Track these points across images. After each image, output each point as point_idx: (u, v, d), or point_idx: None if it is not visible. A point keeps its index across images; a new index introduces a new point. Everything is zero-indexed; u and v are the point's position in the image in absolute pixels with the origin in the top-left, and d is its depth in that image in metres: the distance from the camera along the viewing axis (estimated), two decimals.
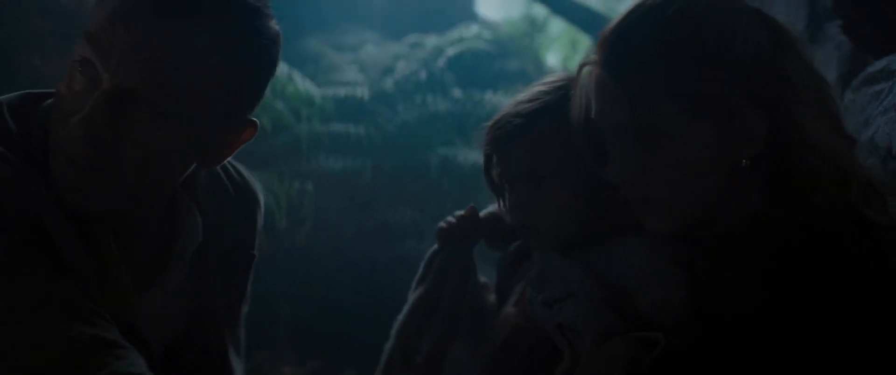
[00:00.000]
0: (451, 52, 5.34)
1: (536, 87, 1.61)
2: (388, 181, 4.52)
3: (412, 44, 5.60)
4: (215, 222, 1.56)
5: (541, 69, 6.00)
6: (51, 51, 3.92)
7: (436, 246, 1.77)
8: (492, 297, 1.78)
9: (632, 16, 1.39)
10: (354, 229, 4.32)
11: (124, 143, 1.28)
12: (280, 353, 3.87)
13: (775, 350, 1.27)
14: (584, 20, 5.60)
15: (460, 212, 1.77)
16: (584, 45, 6.10)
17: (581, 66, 1.46)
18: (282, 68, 4.18)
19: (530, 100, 1.58)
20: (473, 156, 4.43)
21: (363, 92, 4.94)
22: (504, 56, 5.81)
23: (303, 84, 4.70)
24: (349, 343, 3.64)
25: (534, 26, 6.39)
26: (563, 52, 6.46)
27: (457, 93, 5.06)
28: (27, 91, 1.42)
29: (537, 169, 1.56)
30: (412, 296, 1.74)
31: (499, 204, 1.68)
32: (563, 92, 1.55)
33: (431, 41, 5.53)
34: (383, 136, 4.70)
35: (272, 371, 3.86)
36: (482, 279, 1.81)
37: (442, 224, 1.76)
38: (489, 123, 1.62)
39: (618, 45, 1.39)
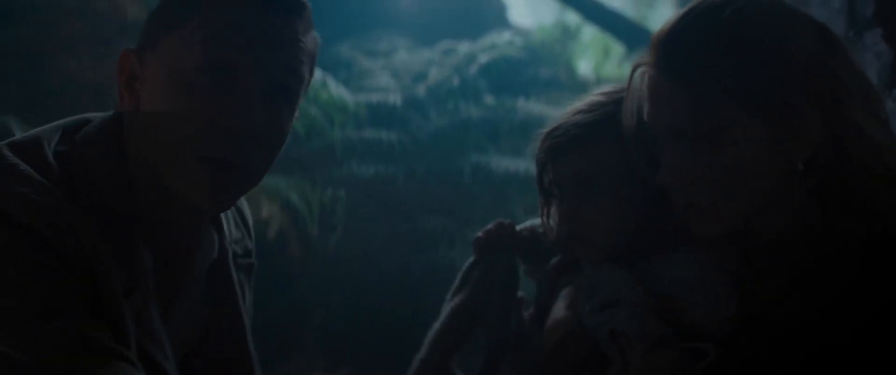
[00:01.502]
0: (483, 58, 5.33)
1: (593, 98, 1.60)
2: (419, 188, 4.51)
3: (445, 50, 5.60)
4: (226, 236, 1.60)
5: (573, 76, 5.99)
6: (85, 54, 3.95)
7: (473, 258, 1.76)
8: (530, 310, 1.76)
9: (687, 17, 1.39)
10: (386, 235, 4.31)
11: (267, 135, 1.39)
12: (311, 360, 3.87)
13: (835, 363, 1.25)
14: (617, 27, 5.60)
15: (499, 220, 1.76)
16: (617, 52, 6.10)
17: (634, 69, 1.45)
18: (316, 74, 4.23)
19: (588, 111, 1.58)
20: (505, 162, 4.43)
21: (396, 98, 4.94)
22: (536, 63, 5.80)
23: (336, 90, 4.71)
24: (380, 349, 3.64)
25: (566, 33, 6.39)
26: (595, 60, 6.45)
27: (489, 99, 5.05)
28: (59, 125, 1.44)
29: (591, 179, 1.56)
30: (448, 306, 1.73)
31: (544, 214, 1.67)
32: (620, 104, 1.53)
33: (464, 48, 5.53)
34: (415, 143, 4.69)
35: None
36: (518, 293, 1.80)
37: (479, 234, 1.75)
38: (545, 131, 1.62)
39: (674, 45, 1.38)
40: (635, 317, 1.42)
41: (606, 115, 1.55)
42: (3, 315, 1.20)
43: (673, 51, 1.38)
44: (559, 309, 1.61)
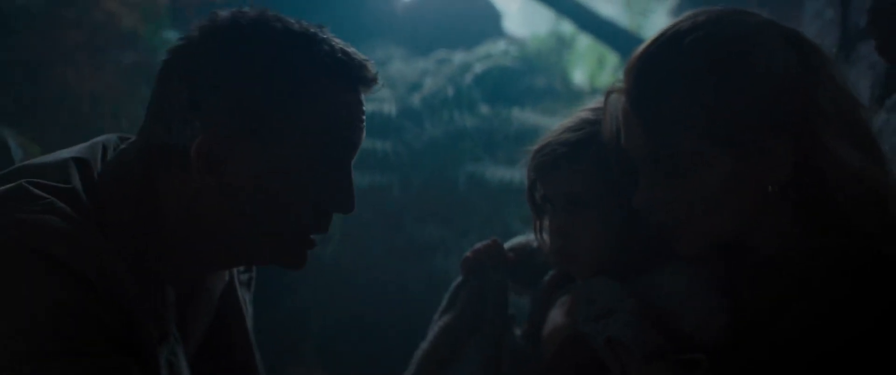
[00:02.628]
0: (478, 68, 5.33)
1: (581, 114, 1.61)
2: (415, 197, 4.51)
3: (439, 60, 5.59)
4: None
5: (568, 86, 5.99)
6: (82, 64, 3.95)
7: (460, 278, 1.76)
8: (524, 326, 1.76)
9: (654, 45, 1.39)
10: (382, 245, 4.31)
11: None
12: (308, 370, 3.86)
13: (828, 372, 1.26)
14: (612, 37, 5.58)
15: (486, 242, 1.76)
16: (611, 61, 6.09)
17: (608, 93, 1.46)
18: None
19: (575, 129, 1.59)
20: (501, 172, 4.42)
21: (390, 108, 4.93)
22: (531, 72, 5.80)
23: None
24: (377, 358, 3.63)
25: (561, 43, 6.38)
26: (590, 69, 6.44)
27: (484, 109, 5.05)
28: (77, 156, 1.41)
29: (577, 196, 1.57)
30: (437, 326, 1.73)
31: (537, 229, 1.68)
32: None
33: (458, 57, 5.52)
34: (411, 152, 4.69)
35: None
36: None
37: (468, 254, 1.76)
38: (534, 148, 1.63)
39: (637, 78, 1.39)
40: (630, 326, 1.43)
41: (593, 133, 1.56)
42: (31, 351, 1.18)
43: (636, 83, 1.39)
44: (556, 317, 1.62)
